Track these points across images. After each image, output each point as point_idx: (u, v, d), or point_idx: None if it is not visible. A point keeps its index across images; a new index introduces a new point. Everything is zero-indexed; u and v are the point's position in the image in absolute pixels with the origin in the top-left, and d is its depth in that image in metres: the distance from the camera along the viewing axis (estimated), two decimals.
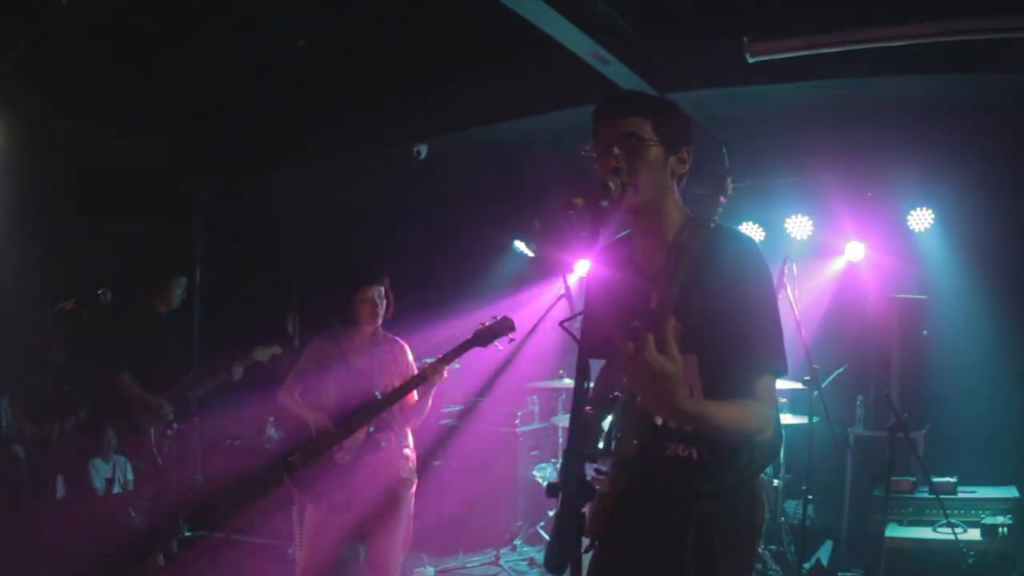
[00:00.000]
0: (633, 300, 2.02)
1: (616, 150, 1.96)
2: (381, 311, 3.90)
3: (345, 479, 3.71)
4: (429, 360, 3.84)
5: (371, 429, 3.74)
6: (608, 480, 2.00)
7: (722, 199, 1.90)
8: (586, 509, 1.66)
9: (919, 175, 5.61)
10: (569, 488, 1.64)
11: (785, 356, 1.95)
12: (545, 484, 5.72)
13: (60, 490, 5.50)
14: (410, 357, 4.02)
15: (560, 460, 5.83)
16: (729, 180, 1.92)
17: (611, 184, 1.89)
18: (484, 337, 3.77)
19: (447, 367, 3.74)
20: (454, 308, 5.34)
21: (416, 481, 3.93)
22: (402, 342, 4.02)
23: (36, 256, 5.81)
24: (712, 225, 2.01)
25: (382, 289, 3.90)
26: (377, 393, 3.79)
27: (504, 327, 3.76)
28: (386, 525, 3.75)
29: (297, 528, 3.92)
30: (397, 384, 3.84)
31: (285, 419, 5.15)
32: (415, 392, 3.83)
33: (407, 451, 3.91)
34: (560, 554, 1.63)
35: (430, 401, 3.87)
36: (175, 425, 5.24)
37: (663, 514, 2.03)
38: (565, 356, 6.17)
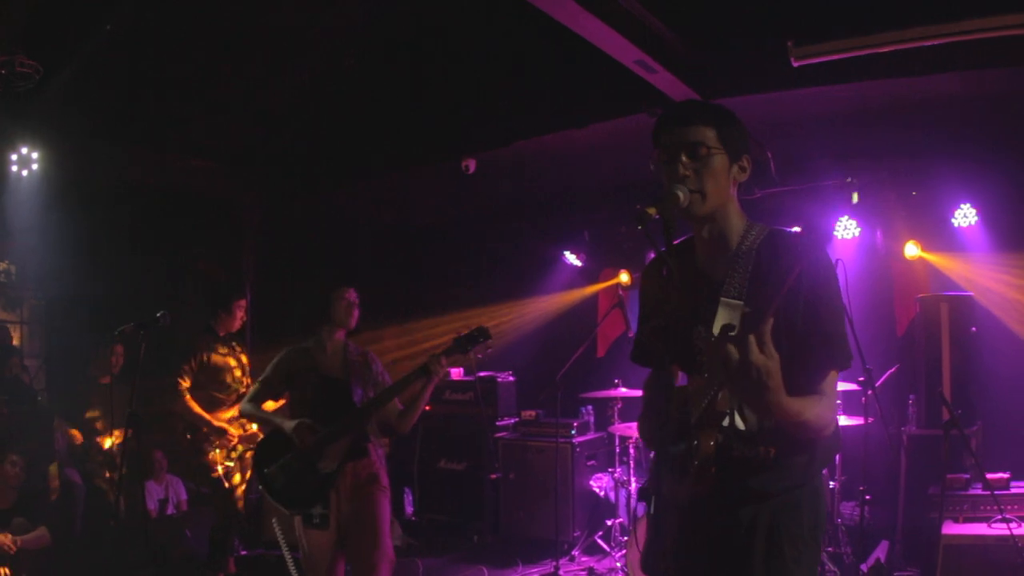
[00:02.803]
0: (701, 304, 2.05)
1: (684, 158, 1.99)
2: (355, 313, 3.97)
3: (329, 488, 3.70)
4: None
5: (354, 437, 3.76)
6: (683, 484, 2.00)
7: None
8: None
9: (962, 171, 5.61)
10: (662, 494, 1.68)
11: (849, 349, 2.01)
12: (616, 490, 5.70)
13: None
14: (380, 366, 4.07)
15: (638, 468, 5.81)
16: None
17: (680, 194, 1.93)
18: (462, 345, 3.87)
19: (442, 369, 3.76)
20: (506, 319, 5.34)
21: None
22: (371, 352, 4.08)
23: (89, 280, 5.81)
24: (774, 229, 2.09)
25: (354, 292, 3.98)
26: (356, 401, 3.82)
27: (479, 335, 3.87)
28: (368, 535, 3.71)
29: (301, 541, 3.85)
30: (371, 392, 3.91)
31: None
32: (398, 400, 3.89)
33: (383, 460, 3.94)
34: (660, 557, 1.67)
35: (423, 403, 3.90)
36: (238, 447, 5.25)
37: (731, 514, 2.04)
38: (619, 366, 6.14)
